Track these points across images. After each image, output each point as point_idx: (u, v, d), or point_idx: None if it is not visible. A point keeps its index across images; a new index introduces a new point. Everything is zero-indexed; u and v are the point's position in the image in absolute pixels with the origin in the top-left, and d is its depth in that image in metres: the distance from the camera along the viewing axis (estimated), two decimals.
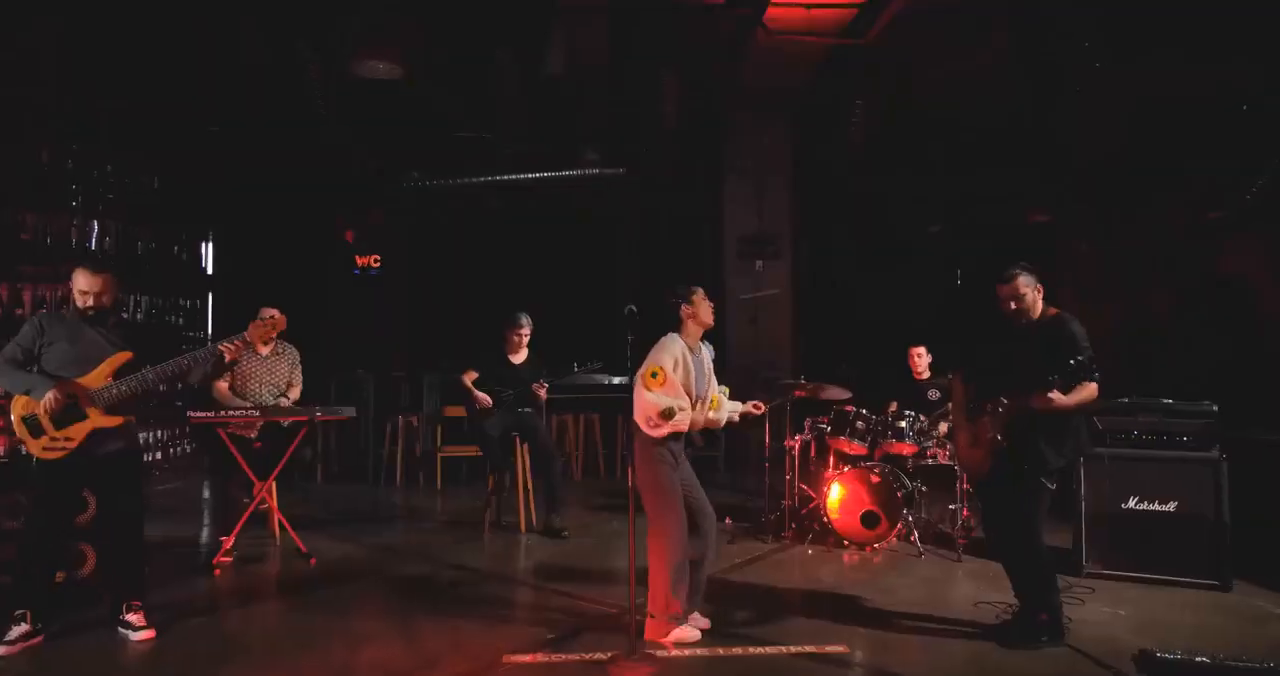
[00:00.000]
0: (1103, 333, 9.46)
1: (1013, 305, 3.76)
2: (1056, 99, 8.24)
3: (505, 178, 10.92)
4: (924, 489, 5.80)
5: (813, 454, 6.12)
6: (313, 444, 7.99)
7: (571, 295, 11.04)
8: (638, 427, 3.84)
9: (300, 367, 5.44)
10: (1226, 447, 4.63)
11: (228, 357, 3.87)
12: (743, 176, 9.91)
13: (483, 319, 8.17)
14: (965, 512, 5.69)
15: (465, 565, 5.02)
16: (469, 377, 5.89)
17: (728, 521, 6.15)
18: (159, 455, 8.20)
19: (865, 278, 11.31)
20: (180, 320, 9.06)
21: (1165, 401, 4.80)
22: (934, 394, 6.20)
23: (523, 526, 5.85)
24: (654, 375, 3.91)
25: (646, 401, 3.81)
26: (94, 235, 7.80)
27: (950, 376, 4.45)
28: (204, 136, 9.07)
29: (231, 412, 4.91)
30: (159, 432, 8.20)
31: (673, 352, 4.05)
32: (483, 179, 11.01)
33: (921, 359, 6.27)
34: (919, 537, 5.38)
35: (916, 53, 8.30)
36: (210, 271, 10.10)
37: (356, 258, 11.80)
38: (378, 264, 11.80)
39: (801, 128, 9.99)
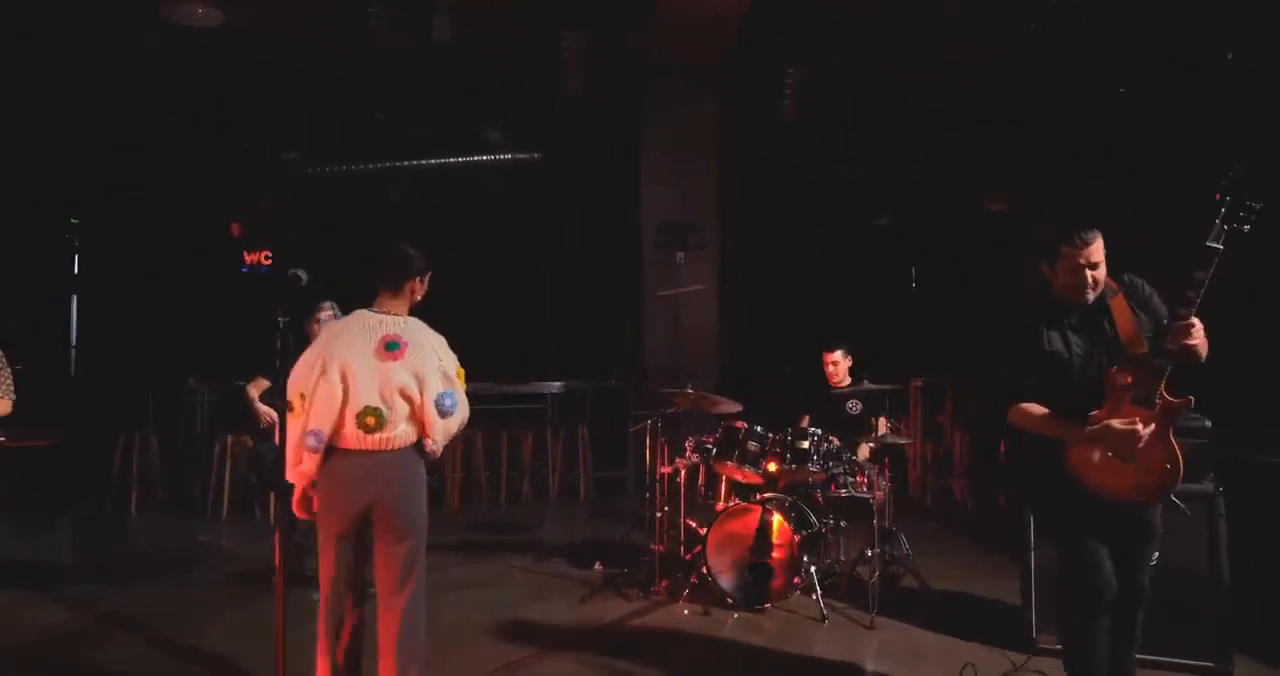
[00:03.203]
0: None
1: (1089, 275, 2.55)
2: (1020, 77, 7.13)
3: (409, 163, 9.67)
4: (842, 525, 4.54)
5: (701, 482, 4.84)
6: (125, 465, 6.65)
7: (488, 293, 9.90)
8: (421, 447, 2.82)
9: (8, 374, 4.11)
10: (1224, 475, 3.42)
11: None
12: (662, 157, 8.64)
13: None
14: (892, 560, 4.45)
15: (199, 648, 3.69)
16: (257, 388, 4.58)
17: (598, 566, 4.88)
18: None
19: (807, 271, 10.15)
20: None
21: None
22: (854, 406, 4.96)
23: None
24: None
25: (462, 409, 2.82)
26: None
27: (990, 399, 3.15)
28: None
29: None
30: None
31: None
32: (383, 165, 9.75)
33: (839, 365, 5.04)
34: (823, 595, 4.10)
35: (851, 19, 7.12)
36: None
37: (245, 254, 10.49)
38: (269, 261, 10.48)
39: (732, 106, 8.77)
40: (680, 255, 8.60)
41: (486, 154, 9.57)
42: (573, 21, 7.70)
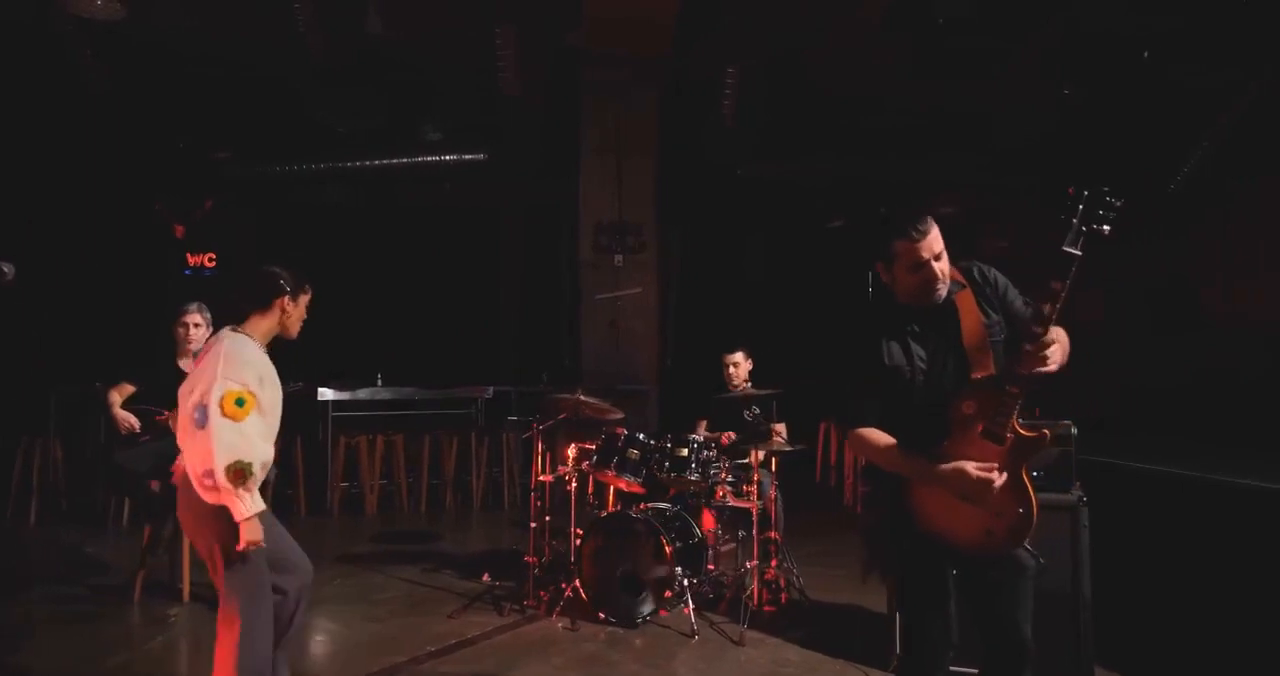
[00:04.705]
0: None
1: (935, 268, 2.13)
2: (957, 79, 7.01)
3: (350, 164, 9.49)
4: (741, 535, 4.37)
5: (590, 491, 4.67)
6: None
7: (436, 295, 9.74)
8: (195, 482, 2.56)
9: None
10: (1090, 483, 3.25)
11: None
12: (600, 158, 8.47)
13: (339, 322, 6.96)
14: (772, 572, 4.28)
15: (23, 668, 3.51)
16: (119, 393, 4.40)
17: (485, 578, 4.70)
18: None
19: (756, 275, 9.99)
20: None
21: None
22: (752, 411, 4.78)
23: (185, 592, 4.33)
24: (239, 402, 2.55)
25: (221, 443, 2.50)
26: None
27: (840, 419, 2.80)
28: None
29: None
30: None
31: (254, 363, 2.68)
32: (323, 166, 9.56)
33: (739, 367, 4.87)
34: (704, 609, 3.93)
35: (776, 17, 6.99)
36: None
37: (188, 255, 10.34)
38: (212, 263, 10.33)
39: (672, 106, 8.62)
40: (618, 257, 8.43)
41: (432, 155, 9.41)
42: (504, 18, 7.56)
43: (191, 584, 4.33)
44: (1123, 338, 7.78)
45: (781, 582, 4.29)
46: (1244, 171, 7.30)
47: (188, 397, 2.60)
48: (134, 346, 7.51)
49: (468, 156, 9.31)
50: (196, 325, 4.42)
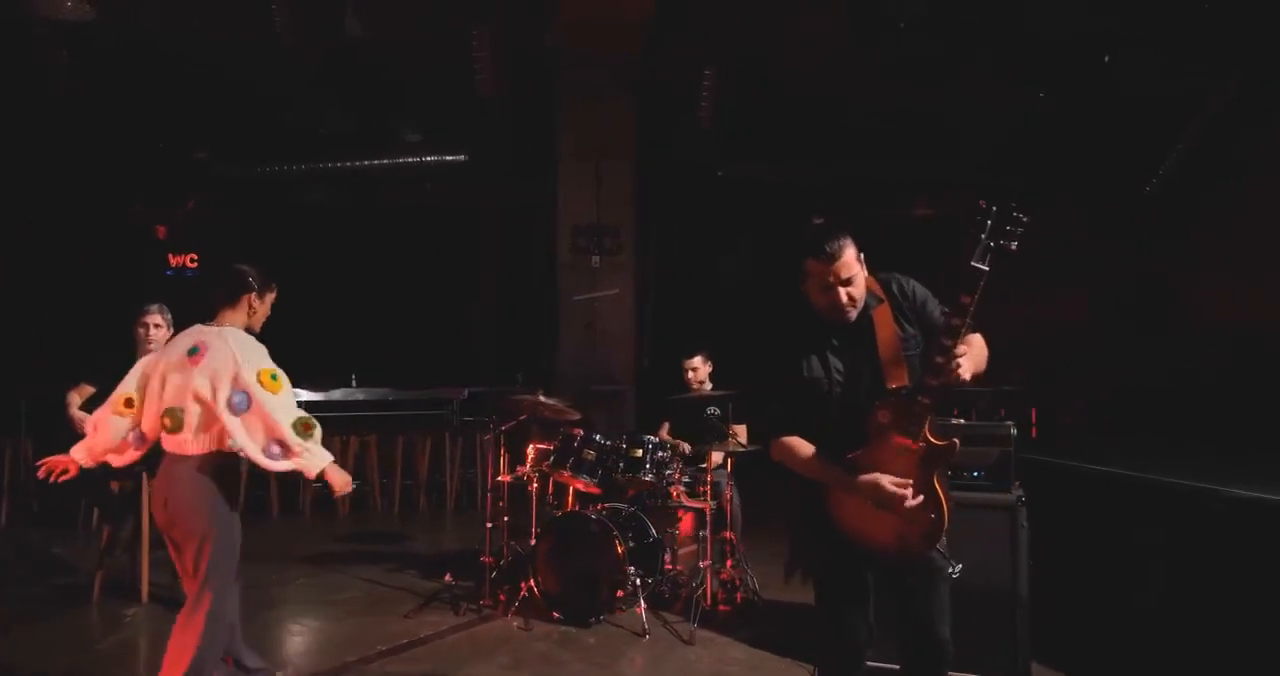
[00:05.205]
0: (1010, 338, 8.56)
1: (842, 293, 2.18)
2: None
3: (330, 165, 9.51)
4: (703, 534, 4.39)
5: (551, 491, 4.68)
6: None
7: (418, 296, 9.75)
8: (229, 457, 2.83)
9: None
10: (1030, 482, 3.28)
11: None
12: (578, 159, 8.49)
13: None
14: (728, 572, 4.31)
15: None
16: (79, 394, 4.42)
17: (448, 577, 4.70)
18: None
19: (734, 277, 10.01)
20: None
21: (956, 421, 3.43)
22: (713, 412, 4.81)
23: (144, 593, 4.35)
24: (274, 376, 2.81)
25: (278, 410, 2.74)
26: None
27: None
28: None
29: None
30: None
31: (260, 347, 2.93)
32: (303, 166, 9.58)
33: (698, 371, 4.90)
34: (660, 608, 3.96)
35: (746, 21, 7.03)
36: None
37: (170, 256, 10.35)
38: (194, 263, 10.34)
39: (650, 109, 8.64)
40: (595, 259, 8.45)
41: (412, 156, 9.44)
42: (480, 20, 7.59)
43: (150, 584, 4.34)
44: (1100, 338, 7.87)
45: (737, 582, 4.31)
46: (1217, 175, 7.36)
47: (186, 390, 2.74)
48: (111, 347, 7.52)
49: (448, 158, 9.34)
50: (157, 326, 4.44)
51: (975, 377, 2.12)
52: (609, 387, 8.07)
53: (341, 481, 2.85)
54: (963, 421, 3.38)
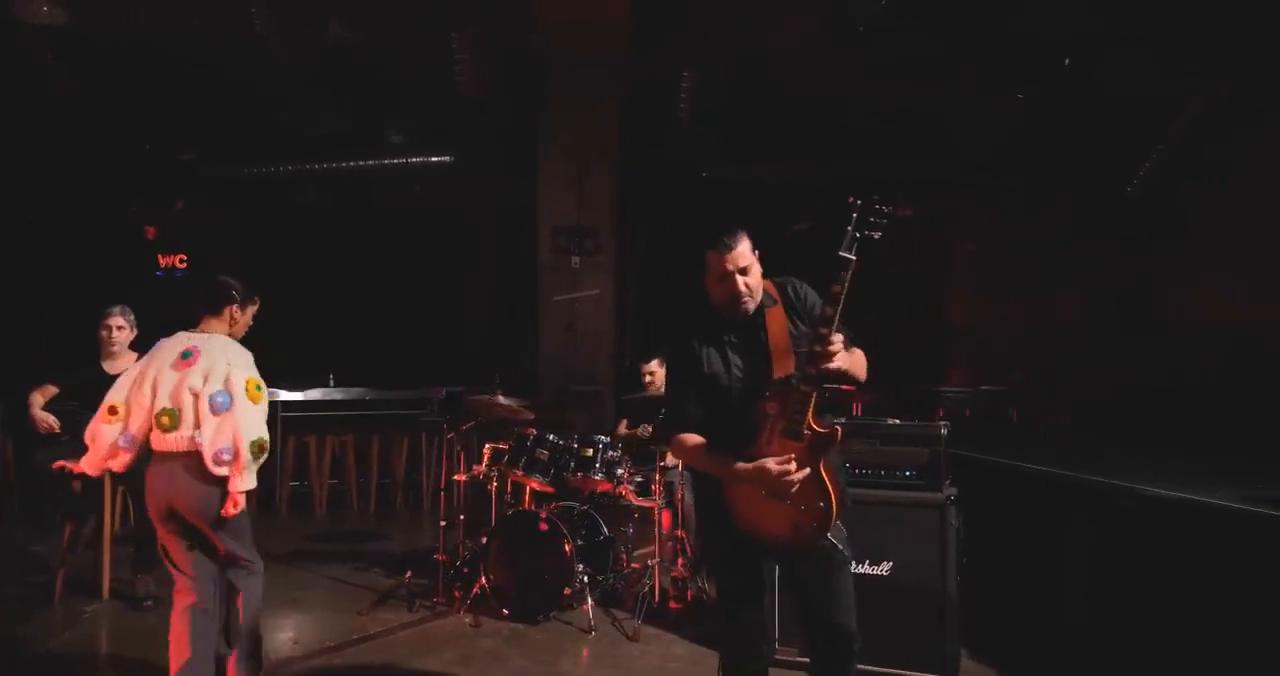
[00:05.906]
0: (1010, 338, 8.52)
1: (740, 282, 2.29)
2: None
3: (318, 166, 9.58)
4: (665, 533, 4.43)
5: (509, 490, 4.73)
6: None
7: (407, 296, 9.79)
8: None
9: None
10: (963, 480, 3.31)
11: None
12: (560, 160, 8.53)
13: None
14: (679, 569, 4.34)
15: None
16: (42, 394, 4.48)
17: (408, 576, 4.76)
18: None
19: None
20: None
21: (890, 421, 3.46)
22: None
23: (105, 589, 4.42)
24: (258, 388, 2.96)
25: (249, 423, 2.89)
26: None
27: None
28: None
29: None
30: None
31: (249, 356, 3.08)
32: (291, 167, 9.65)
33: (655, 375, 4.97)
34: (610, 606, 4.00)
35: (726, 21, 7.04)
36: None
37: (160, 257, 10.43)
38: (184, 264, 10.42)
39: (633, 109, 8.67)
40: (575, 259, 8.49)
41: (399, 157, 9.50)
42: (460, 21, 7.64)
43: (111, 580, 4.41)
44: (1097, 338, 7.85)
45: (688, 580, 4.35)
46: (1197, 177, 7.34)
47: (182, 389, 2.87)
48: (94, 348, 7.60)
49: (434, 159, 9.40)
50: (120, 328, 4.51)
51: (854, 380, 2.25)
52: (589, 388, 8.11)
53: (243, 505, 2.97)
54: (896, 421, 3.41)
